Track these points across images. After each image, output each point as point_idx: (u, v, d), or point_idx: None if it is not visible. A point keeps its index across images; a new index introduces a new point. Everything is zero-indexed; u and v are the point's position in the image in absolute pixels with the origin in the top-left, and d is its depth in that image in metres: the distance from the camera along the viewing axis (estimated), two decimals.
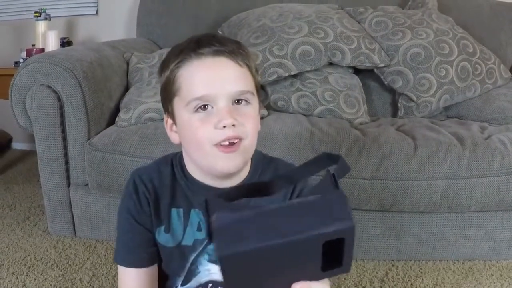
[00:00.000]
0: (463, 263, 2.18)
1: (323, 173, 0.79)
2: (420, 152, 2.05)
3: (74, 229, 2.25)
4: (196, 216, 1.15)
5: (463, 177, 2.04)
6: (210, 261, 1.17)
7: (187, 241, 1.16)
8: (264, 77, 2.33)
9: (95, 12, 3.15)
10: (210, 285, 1.19)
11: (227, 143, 1.03)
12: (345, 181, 2.01)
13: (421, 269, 2.14)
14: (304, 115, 2.31)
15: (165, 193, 1.16)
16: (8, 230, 2.33)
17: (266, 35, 2.38)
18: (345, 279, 2.04)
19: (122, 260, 1.19)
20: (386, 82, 2.46)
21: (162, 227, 1.16)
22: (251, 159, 1.14)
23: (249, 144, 1.07)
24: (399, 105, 2.45)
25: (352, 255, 0.73)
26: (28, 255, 2.10)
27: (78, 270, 2.00)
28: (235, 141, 1.04)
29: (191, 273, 1.18)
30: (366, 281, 2.04)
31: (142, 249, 1.17)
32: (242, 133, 1.04)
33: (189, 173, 1.15)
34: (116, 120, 2.22)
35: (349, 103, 2.34)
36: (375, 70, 2.47)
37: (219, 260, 0.70)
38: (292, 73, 2.35)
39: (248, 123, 1.05)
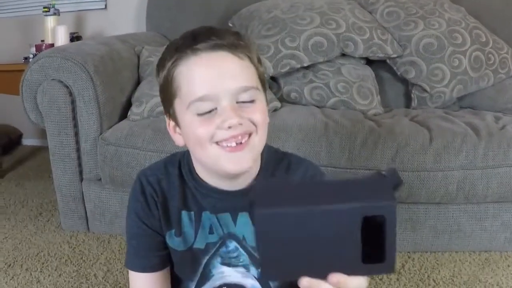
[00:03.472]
0: (479, 255, 2.13)
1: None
2: (436, 143, 2.00)
3: (88, 224, 2.21)
4: (208, 219, 1.09)
5: (479, 167, 1.99)
6: (223, 263, 1.12)
7: (199, 245, 1.11)
8: (276, 69, 2.28)
9: (103, 7, 3.10)
10: (224, 287, 1.14)
11: (234, 144, 0.96)
12: (361, 172, 1.97)
13: (437, 260, 2.09)
14: (317, 106, 2.26)
15: (174, 195, 1.10)
16: (20, 226, 2.29)
17: (278, 26, 2.33)
18: None
19: (132, 265, 1.13)
20: (399, 73, 2.41)
21: (173, 231, 1.10)
22: (261, 154, 1.06)
23: (259, 139, 0.99)
24: (412, 95, 2.40)
25: (396, 250, 0.68)
26: (42, 251, 2.06)
27: (92, 266, 1.96)
28: (242, 141, 0.96)
29: (205, 277, 1.13)
30: (382, 274, 1.99)
31: (152, 253, 1.12)
32: (251, 128, 0.97)
33: (197, 175, 1.08)
34: (129, 114, 2.17)
35: (362, 94, 2.28)
36: (387, 61, 2.42)
37: (255, 223, 0.67)
38: (305, 65, 2.30)
39: (255, 117, 0.97)
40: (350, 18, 2.37)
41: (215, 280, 1.14)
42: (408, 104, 2.43)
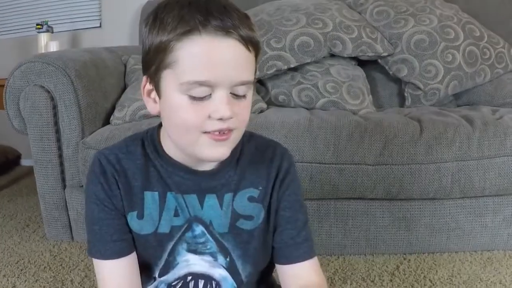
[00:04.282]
0: (481, 254, 1.98)
1: None
2: (427, 134, 1.89)
3: (71, 233, 2.12)
4: (173, 199, 1.01)
5: (474, 158, 1.88)
6: (189, 250, 1.03)
7: (164, 228, 1.02)
8: (262, 70, 2.21)
9: (98, 25, 3.10)
10: (189, 277, 1.05)
11: (217, 132, 0.91)
12: (347, 167, 1.86)
13: (435, 261, 1.94)
14: (307, 108, 2.17)
15: (137, 174, 1.01)
16: (6, 237, 2.22)
17: (263, 28, 2.27)
18: (351, 273, 1.86)
19: (97, 252, 1.02)
20: (391, 72, 2.31)
21: (135, 212, 1.01)
22: None
23: (239, 134, 0.96)
24: (405, 94, 2.29)
25: None
26: (22, 259, 1.98)
27: (70, 272, 1.86)
28: (225, 131, 0.91)
29: (169, 265, 1.04)
30: (374, 275, 1.86)
31: (118, 236, 1.01)
32: (236, 125, 0.92)
33: (164, 152, 1.01)
34: (111, 119, 2.11)
35: (353, 94, 2.19)
36: (379, 60, 2.33)
37: None
38: (292, 66, 2.22)
39: (243, 114, 0.93)
40: (337, 17, 2.29)
41: (180, 269, 1.04)
42: (402, 104, 2.32)
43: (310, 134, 1.88)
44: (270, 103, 2.22)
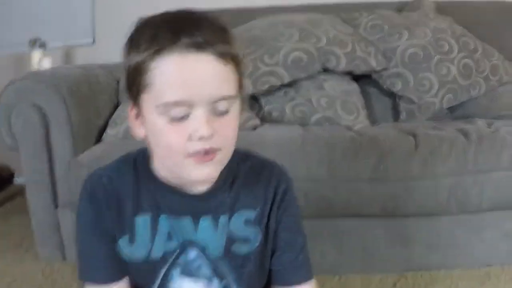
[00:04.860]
0: (478, 270, 1.92)
1: None
2: (422, 149, 1.85)
3: (64, 253, 2.06)
4: (166, 223, 0.97)
5: (471, 172, 1.83)
6: (183, 274, 0.99)
7: (156, 254, 0.97)
8: (256, 86, 2.17)
9: (91, 41, 3.05)
10: None
11: (202, 152, 0.87)
12: (342, 184, 1.81)
13: (432, 278, 1.89)
14: (301, 125, 2.12)
15: (128, 197, 0.97)
16: None
17: (256, 44, 2.22)
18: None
19: (87, 277, 0.99)
20: (385, 86, 2.27)
21: (126, 237, 0.97)
22: None
23: (227, 153, 0.92)
24: (400, 108, 2.25)
25: None
26: (15, 280, 1.93)
27: None
28: (210, 151, 0.88)
29: None
30: None
31: (109, 261, 0.98)
32: (220, 144, 0.88)
33: (155, 174, 0.97)
34: (103, 136, 2.07)
35: (347, 109, 2.15)
36: (372, 75, 2.29)
37: None
38: (285, 81, 2.19)
39: (227, 132, 0.89)
40: (331, 31, 2.26)
41: None
42: (396, 118, 2.28)
43: (303, 151, 1.84)
44: (263, 120, 2.18)
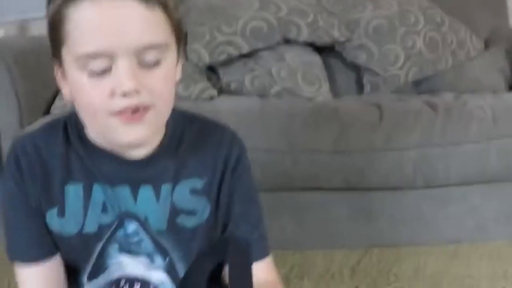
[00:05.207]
0: (447, 246, 1.83)
1: None
2: (386, 120, 1.76)
3: None
4: (101, 192, 0.84)
5: (437, 144, 1.75)
6: (122, 251, 0.86)
7: (90, 227, 0.84)
8: (212, 57, 2.04)
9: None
10: (122, 281, 0.88)
11: (129, 112, 0.74)
12: (302, 156, 1.70)
13: (398, 255, 1.80)
14: (260, 96, 2.00)
15: (57, 165, 0.84)
16: None
17: (214, 12, 2.10)
18: (309, 269, 1.70)
19: (14, 256, 0.86)
20: (348, 59, 2.17)
21: (55, 210, 0.84)
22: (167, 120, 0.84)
23: (160, 111, 0.79)
24: (364, 81, 2.15)
25: None
26: None
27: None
28: (139, 109, 0.75)
29: (98, 268, 0.87)
30: (334, 271, 1.70)
31: (36, 239, 0.85)
32: (149, 100, 0.75)
33: (88, 138, 0.84)
34: (52, 108, 1.92)
35: (309, 80, 2.03)
36: (336, 46, 2.18)
37: None
38: (244, 52, 2.06)
39: (158, 86, 0.76)
40: (292, 1, 2.14)
41: (111, 272, 0.87)
42: (360, 91, 2.18)
43: (262, 121, 1.73)
44: (221, 92, 2.05)
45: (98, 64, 0.73)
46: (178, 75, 0.83)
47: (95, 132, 0.82)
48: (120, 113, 0.74)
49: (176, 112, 0.88)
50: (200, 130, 0.89)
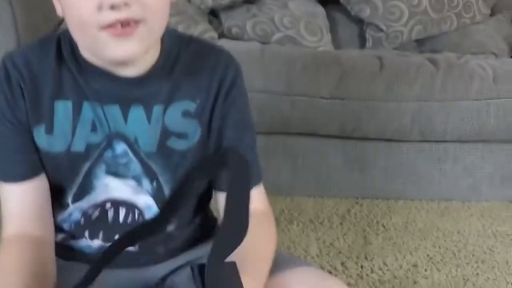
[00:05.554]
0: (438, 203, 1.82)
1: None
2: (387, 71, 1.72)
3: None
4: (90, 111, 0.80)
5: (437, 99, 1.72)
6: (109, 172, 0.82)
7: (78, 146, 0.81)
8: (216, 0, 1.99)
9: None
10: (108, 204, 0.84)
11: (119, 25, 0.70)
12: (300, 99, 1.66)
13: (389, 207, 1.78)
14: (261, 43, 1.95)
15: (48, 80, 0.80)
16: None
17: None
18: (299, 214, 1.67)
19: (3, 173, 0.83)
20: (353, 13, 2.11)
21: (43, 126, 0.80)
22: (162, 37, 0.80)
23: (152, 27, 0.74)
24: (367, 35, 2.09)
25: None
26: None
27: None
28: (130, 23, 0.70)
29: (84, 189, 0.83)
30: (323, 218, 1.67)
31: (21, 156, 0.81)
32: (140, 14, 0.70)
33: (81, 55, 0.79)
34: None
35: (311, 30, 1.98)
36: (340, 0, 2.13)
37: None
38: None
39: (151, 1, 0.71)
40: None
41: (97, 195, 0.84)
42: (363, 46, 2.13)
43: (261, 63, 1.69)
44: (222, 36, 2.00)
45: None
46: None
47: (85, 48, 0.78)
48: (109, 26, 0.70)
49: (173, 32, 0.85)
50: (196, 52, 0.84)
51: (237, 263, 0.70)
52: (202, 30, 1.89)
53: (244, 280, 0.66)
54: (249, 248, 0.76)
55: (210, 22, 2.03)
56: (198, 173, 0.76)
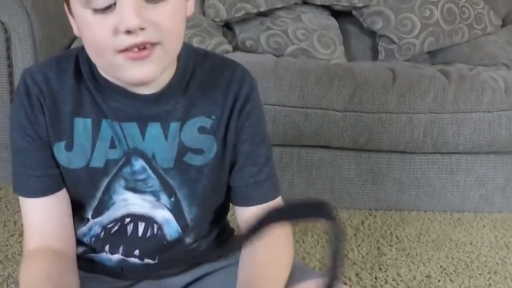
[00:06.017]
0: (450, 214, 1.81)
1: None
2: (400, 83, 1.72)
3: None
4: (109, 128, 0.81)
5: (449, 111, 1.72)
6: (127, 188, 0.84)
7: (97, 162, 0.82)
8: (230, 13, 2.01)
9: None
10: (127, 219, 0.86)
11: (136, 49, 0.71)
12: (313, 112, 1.68)
13: (402, 218, 1.78)
14: (275, 56, 1.96)
15: (67, 97, 0.81)
16: None
17: None
18: (313, 225, 1.67)
19: (21, 189, 0.84)
20: (365, 24, 2.12)
21: (63, 143, 0.82)
22: (178, 55, 0.80)
23: (168, 48, 0.75)
24: (379, 47, 2.10)
25: None
26: None
27: (14, 214, 1.68)
28: (146, 46, 0.71)
29: (103, 205, 0.85)
30: None
31: (42, 171, 0.82)
32: (156, 37, 0.71)
33: (99, 73, 0.81)
34: None
35: (324, 43, 1.99)
36: (353, 12, 2.14)
37: None
38: (262, 10, 2.02)
39: (166, 22, 0.72)
40: None
41: (117, 210, 0.85)
42: (375, 58, 2.14)
43: (275, 75, 1.70)
44: (236, 49, 2.01)
45: (102, 0, 0.70)
46: (189, 10, 0.79)
47: (103, 69, 0.80)
48: (126, 50, 0.71)
49: (189, 48, 0.86)
50: (211, 67, 0.86)
51: (254, 285, 0.73)
52: (217, 42, 1.91)
53: None
54: (266, 270, 0.79)
55: (225, 35, 2.04)
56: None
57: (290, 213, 0.69)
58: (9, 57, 1.82)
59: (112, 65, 0.74)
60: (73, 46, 1.91)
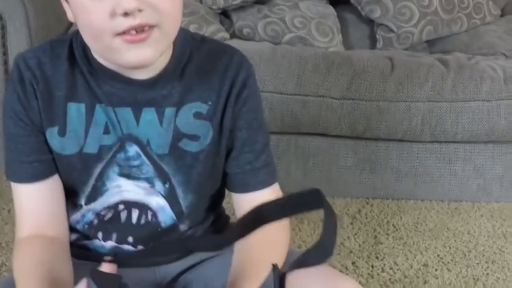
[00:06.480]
0: (448, 203, 1.80)
1: None
2: (398, 71, 1.70)
3: None
4: (103, 113, 0.79)
5: (447, 100, 1.70)
6: (121, 174, 0.82)
7: (91, 148, 0.80)
8: (227, 1, 1.97)
9: None
10: (121, 206, 0.84)
11: (133, 31, 0.69)
12: (311, 100, 1.65)
13: (399, 207, 1.76)
14: (272, 43, 1.94)
15: (61, 82, 0.79)
16: None
17: None
18: (309, 214, 1.65)
19: (13, 174, 0.82)
20: (363, 13, 2.08)
21: (55, 128, 0.80)
22: (174, 40, 0.78)
23: (166, 31, 0.74)
24: (377, 36, 2.07)
25: None
26: None
27: (9, 202, 1.64)
28: (144, 29, 0.69)
29: (97, 191, 0.83)
30: None
31: (35, 156, 0.81)
32: (153, 18, 0.69)
33: (93, 57, 0.79)
34: None
35: (322, 31, 1.97)
36: (351, 0, 2.10)
37: None
38: None
39: (163, 4, 0.71)
40: None
41: (110, 196, 0.83)
42: (373, 46, 2.10)
43: (272, 63, 1.67)
44: (233, 36, 1.98)
45: None
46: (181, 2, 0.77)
47: (98, 54, 0.78)
48: (123, 33, 0.69)
49: (186, 33, 0.84)
50: (208, 53, 0.84)
51: (248, 269, 0.73)
52: (214, 30, 1.88)
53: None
54: (261, 253, 0.77)
55: (222, 23, 2.01)
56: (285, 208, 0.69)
57: (283, 210, 0.68)
58: (4, 45, 1.78)
59: (109, 48, 0.72)
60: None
